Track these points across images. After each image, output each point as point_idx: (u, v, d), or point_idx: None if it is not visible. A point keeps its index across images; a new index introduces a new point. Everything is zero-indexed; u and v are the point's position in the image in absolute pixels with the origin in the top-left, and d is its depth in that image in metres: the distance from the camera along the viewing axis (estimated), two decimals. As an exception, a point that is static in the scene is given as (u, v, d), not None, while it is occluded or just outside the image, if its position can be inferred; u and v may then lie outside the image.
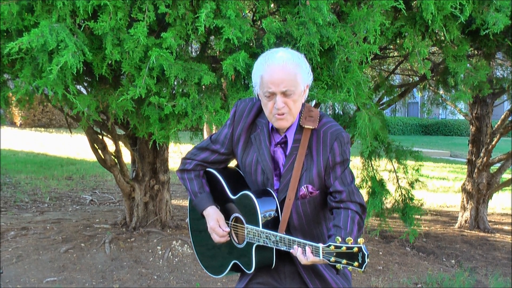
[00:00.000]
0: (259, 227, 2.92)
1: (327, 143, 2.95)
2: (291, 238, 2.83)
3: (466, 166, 10.53)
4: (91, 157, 13.41)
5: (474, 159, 10.12)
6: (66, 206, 10.08)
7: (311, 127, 2.96)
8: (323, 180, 2.98)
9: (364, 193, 6.41)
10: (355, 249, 2.62)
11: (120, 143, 7.64)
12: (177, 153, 17.22)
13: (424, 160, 7.88)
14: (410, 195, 7.25)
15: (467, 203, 10.10)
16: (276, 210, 2.96)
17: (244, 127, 3.09)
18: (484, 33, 5.52)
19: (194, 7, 5.05)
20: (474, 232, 9.80)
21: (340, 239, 2.66)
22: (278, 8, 5.71)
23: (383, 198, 6.49)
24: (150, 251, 6.94)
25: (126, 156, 7.97)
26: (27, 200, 10.37)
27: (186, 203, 10.61)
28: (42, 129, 24.12)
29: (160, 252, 6.90)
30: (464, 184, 10.27)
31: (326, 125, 3.00)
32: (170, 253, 6.90)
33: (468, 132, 11.12)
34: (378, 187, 6.08)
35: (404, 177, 7.74)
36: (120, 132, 7.77)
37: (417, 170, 7.55)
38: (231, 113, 3.16)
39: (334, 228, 2.85)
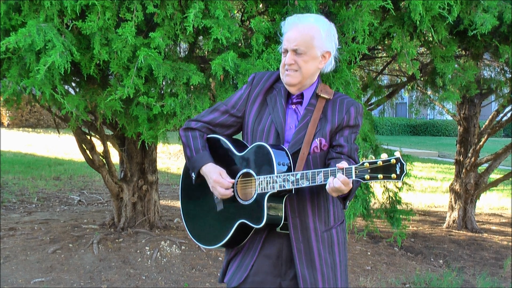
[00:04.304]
0: (274, 173, 2.90)
1: (343, 107, 3.07)
2: (315, 170, 2.83)
3: (454, 167, 10.57)
4: (79, 157, 13.37)
5: (462, 159, 10.16)
6: (54, 206, 10.04)
7: (326, 96, 3.07)
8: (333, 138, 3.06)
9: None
10: (393, 161, 2.64)
11: (108, 143, 7.62)
12: (165, 153, 17.23)
13: (412, 161, 7.89)
14: (397, 198, 7.26)
15: (455, 203, 10.13)
16: (289, 162, 2.96)
17: (262, 89, 3.16)
18: (472, 33, 5.53)
19: (183, 7, 5.05)
20: (462, 232, 9.84)
21: (373, 157, 2.69)
22: (266, 8, 5.71)
23: (368, 200, 6.47)
24: (138, 251, 6.92)
25: (114, 156, 7.95)
26: (14, 201, 10.32)
27: (174, 203, 10.60)
28: (30, 129, 24.01)
29: (148, 253, 6.89)
30: (452, 184, 10.30)
31: (342, 96, 3.14)
32: (158, 253, 6.89)
33: (456, 132, 11.15)
34: (359, 191, 6.06)
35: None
36: (108, 132, 7.74)
37: (406, 173, 7.55)
38: (248, 79, 3.23)
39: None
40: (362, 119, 3.13)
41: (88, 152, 7.38)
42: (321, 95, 3.07)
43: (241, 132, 3.27)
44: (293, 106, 3.11)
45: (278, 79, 3.16)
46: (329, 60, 3.07)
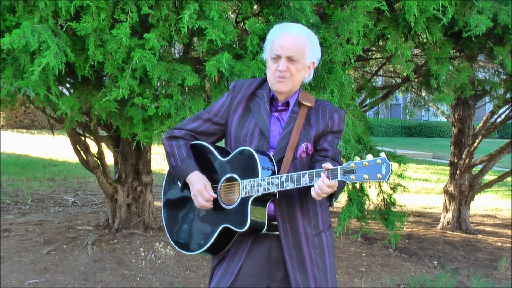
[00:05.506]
0: (258, 177, 2.91)
1: (326, 113, 3.10)
2: (300, 172, 2.86)
3: (448, 168, 10.58)
4: (73, 158, 13.33)
5: (456, 160, 10.17)
6: (48, 207, 10.02)
7: (308, 104, 3.10)
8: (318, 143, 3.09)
9: (344, 196, 6.38)
10: (378, 161, 2.69)
11: (103, 144, 7.61)
12: (160, 154, 17.21)
13: (406, 162, 7.89)
14: (392, 200, 7.27)
15: (449, 204, 10.14)
16: (274, 167, 2.96)
17: (244, 96, 3.16)
18: (466, 35, 5.54)
19: (177, 8, 5.04)
20: (456, 233, 9.85)
21: (359, 158, 2.73)
22: (261, 10, 5.71)
23: (363, 203, 6.46)
24: (132, 252, 6.91)
25: (109, 157, 7.93)
26: (9, 202, 10.29)
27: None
28: (24, 130, 23.96)
29: (143, 254, 6.88)
30: (446, 185, 10.32)
31: (324, 103, 3.18)
32: (153, 254, 6.88)
33: (450, 134, 11.17)
34: (354, 194, 6.06)
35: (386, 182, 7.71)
36: (103, 133, 7.73)
37: (400, 175, 7.57)
38: (230, 87, 3.23)
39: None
40: (344, 125, 3.18)
41: (82, 153, 7.37)
42: (304, 102, 3.10)
43: (224, 139, 3.27)
44: (276, 114, 3.12)
45: (259, 86, 3.18)
46: (311, 71, 3.12)
